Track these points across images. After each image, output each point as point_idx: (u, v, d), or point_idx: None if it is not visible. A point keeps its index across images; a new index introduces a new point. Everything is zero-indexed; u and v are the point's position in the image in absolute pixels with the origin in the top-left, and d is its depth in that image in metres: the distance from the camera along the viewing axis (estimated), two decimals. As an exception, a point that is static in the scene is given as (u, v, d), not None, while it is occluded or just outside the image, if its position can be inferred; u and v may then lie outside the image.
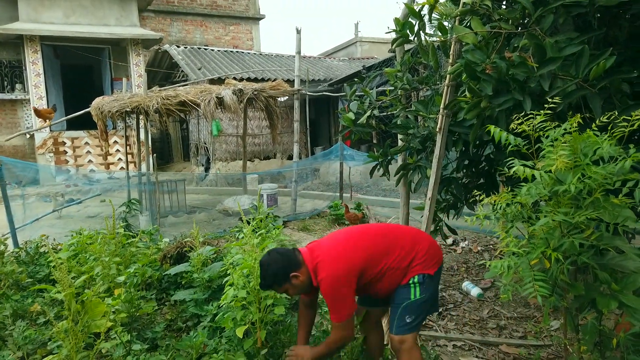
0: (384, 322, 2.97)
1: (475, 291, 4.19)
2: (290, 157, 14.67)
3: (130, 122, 9.21)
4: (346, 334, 2.35)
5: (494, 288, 4.34)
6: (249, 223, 3.16)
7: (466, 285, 4.33)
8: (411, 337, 2.35)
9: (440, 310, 3.87)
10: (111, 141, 13.66)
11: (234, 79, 11.69)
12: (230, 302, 2.66)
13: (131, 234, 4.55)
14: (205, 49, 16.20)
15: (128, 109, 7.40)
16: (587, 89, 2.23)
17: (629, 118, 1.82)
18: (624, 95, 2.33)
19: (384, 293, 2.43)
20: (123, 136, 10.84)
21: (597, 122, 1.93)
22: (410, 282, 2.34)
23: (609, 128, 1.87)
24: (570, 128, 1.91)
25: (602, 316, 2.13)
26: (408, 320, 2.33)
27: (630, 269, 1.93)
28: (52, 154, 13.50)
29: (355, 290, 2.33)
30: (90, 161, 13.80)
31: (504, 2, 3.02)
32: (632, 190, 1.77)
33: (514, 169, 1.96)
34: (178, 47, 15.58)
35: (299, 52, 8.56)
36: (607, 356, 2.20)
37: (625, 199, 1.85)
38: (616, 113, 1.91)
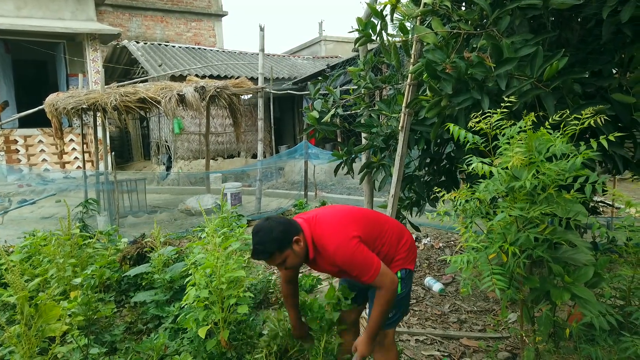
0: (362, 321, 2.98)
1: (437, 286, 4.28)
2: (254, 156, 14.56)
3: (87, 119, 8.91)
4: (391, 278, 2.14)
5: (455, 283, 4.45)
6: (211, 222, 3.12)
7: (428, 281, 4.41)
8: (392, 333, 2.39)
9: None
10: (67, 139, 13.16)
11: (196, 76, 11.50)
12: (192, 303, 2.61)
13: (88, 234, 4.40)
14: (166, 45, 15.86)
15: (85, 106, 7.16)
16: (541, 89, 2.32)
17: (580, 117, 1.90)
18: (575, 95, 2.43)
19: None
20: (79, 134, 10.47)
21: (550, 120, 2.00)
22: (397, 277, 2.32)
23: (562, 126, 1.95)
24: (525, 126, 1.97)
25: (556, 308, 2.22)
26: (390, 315, 2.32)
27: (582, 262, 2.02)
28: (3, 153, 12.88)
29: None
30: (44, 160, 13.24)
31: (464, 4, 3.10)
32: (583, 186, 1.85)
33: (472, 166, 2.01)
34: (137, 42, 15.18)
35: (262, 50, 8.50)
36: (561, 346, 2.29)
37: (576, 194, 1.93)
38: (568, 112, 1.99)
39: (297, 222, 2.23)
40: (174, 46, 16.00)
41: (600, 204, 3.99)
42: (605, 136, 1.85)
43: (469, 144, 2.12)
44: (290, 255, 2.16)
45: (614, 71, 2.73)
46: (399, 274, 2.30)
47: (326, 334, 2.50)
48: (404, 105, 3.12)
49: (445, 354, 3.16)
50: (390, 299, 2.15)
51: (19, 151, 13.14)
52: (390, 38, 3.39)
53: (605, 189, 2.47)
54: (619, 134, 2.09)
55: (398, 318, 2.42)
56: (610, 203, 4.14)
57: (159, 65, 13.47)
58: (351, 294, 2.52)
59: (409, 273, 2.35)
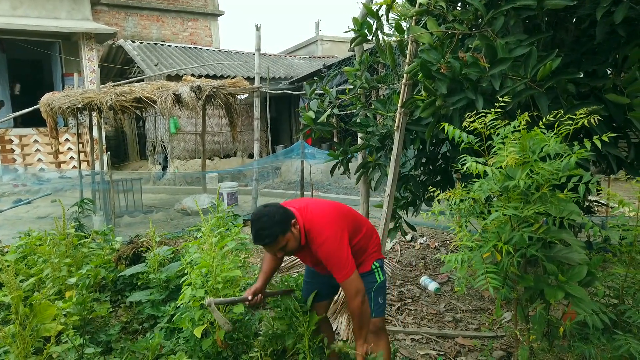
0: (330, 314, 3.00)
1: (432, 286, 4.29)
2: (250, 156, 14.54)
3: (82, 119, 8.88)
4: (361, 286, 2.30)
5: (450, 282, 4.46)
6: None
7: (424, 280, 4.43)
8: (379, 320, 2.50)
9: (398, 305, 3.95)
10: (62, 139, 13.12)
11: (192, 75, 11.48)
12: (188, 302, 2.61)
13: (83, 234, 4.39)
14: (162, 45, 15.81)
15: (80, 106, 7.15)
16: (535, 89, 2.33)
17: (574, 117, 1.91)
18: (569, 95, 2.44)
19: None
20: (75, 134, 10.43)
21: (544, 120, 2.01)
22: (373, 267, 2.48)
23: (556, 126, 1.96)
24: (519, 126, 1.98)
25: (550, 306, 2.23)
26: (380, 302, 2.50)
27: (576, 261, 2.03)
28: (-3, 153, 12.82)
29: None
30: (39, 160, 13.19)
31: (459, 4, 3.11)
32: (577, 186, 1.86)
33: (467, 165, 2.02)
34: (133, 42, 15.13)
35: (258, 50, 8.49)
36: (555, 344, 2.30)
37: (570, 193, 1.94)
38: (562, 112, 2.00)
39: (289, 208, 2.33)
40: (170, 46, 15.96)
41: (594, 203, 4.01)
42: (599, 136, 1.87)
43: (463, 143, 2.13)
44: (291, 239, 2.26)
45: (608, 71, 2.75)
46: (376, 263, 2.51)
47: (311, 332, 2.55)
48: (399, 105, 3.13)
49: (441, 353, 3.18)
50: (357, 305, 2.28)
51: (14, 151, 13.09)
52: (385, 38, 3.40)
53: (599, 188, 2.48)
54: (613, 134, 2.11)
55: (382, 304, 2.53)
56: (604, 202, 4.17)
57: (155, 65, 13.43)
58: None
59: (382, 262, 2.57)
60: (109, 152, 7.32)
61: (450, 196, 2.18)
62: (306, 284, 2.73)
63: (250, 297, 2.45)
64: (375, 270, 2.49)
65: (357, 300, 2.29)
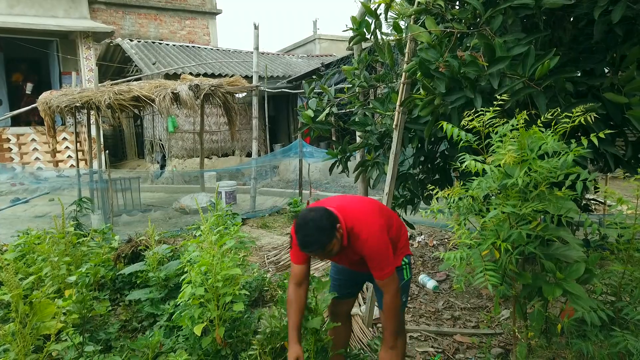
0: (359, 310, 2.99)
1: (430, 284, 4.31)
2: (249, 155, 14.54)
3: (80, 117, 8.87)
4: (396, 287, 2.26)
5: (448, 280, 4.48)
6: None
7: (422, 278, 4.44)
8: (404, 318, 2.52)
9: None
10: (60, 138, 13.09)
11: (190, 74, 11.47)
12: (187, 300, 2.62)
13: (82, 233, 4.39)
14: (160, 44, 15.78)
15: (78, 104, 7.14)
16: (533, 88, 2.34)
17: (571, 115, 1.92)
18: (567, 94, 2.46)
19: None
20: (73, 133, 10.42)
21: (542, 118, 2.02)
22: (403, 263, 2.44)
23: (554, 124, 1.97)
24: (517, 124, 1.99)
25: (548, 304, 2.25)
26: (404, 300, 2.46)
27: (574, 258, 2.04)
28: (-5, 151, 12.79)
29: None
30: (37, 159, 13.16)
31: (457, 3, 3.11)
32: (574, 183, 1.87)
33: (465, 163, 2.03)
34: (131, 40, 15.10)
35: (257, 48, 8.49)
36: (552, 341, 2.32)
37: (568, 191, 1.95)
38: (560, 110, 2.01)
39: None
40: (167, 44, 15.93)
41: (591, 201, 4.03)
42: (596, 134, 1.88)
43: (462, 142, 2.14)
44: (336, 244, 2.15)
45: (606, 70, 2.76)
46: (406, 260, 2.46)
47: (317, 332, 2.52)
48: (398, 103, 3.14)
49: (439, 351, 3.19)
50: (396, 305, 2.27)
51: (11, 150, 13.05)
52: (384, 37, 3.40)
53: (597, 186, 2.50)
54: (610, 131, 2.12)
55: (405, 302, 2.50)
56: (602, 201, 4.18)
57: (153, 64, 13.41)
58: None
59: (410, 258, 2.52)
60: (106, 151, 7.31)
61: (448, 194, 2.19)
62: (334, 279, 2.66)
63: None
64: (405, 267, 2.45)
65: (397, 299, 2.27)
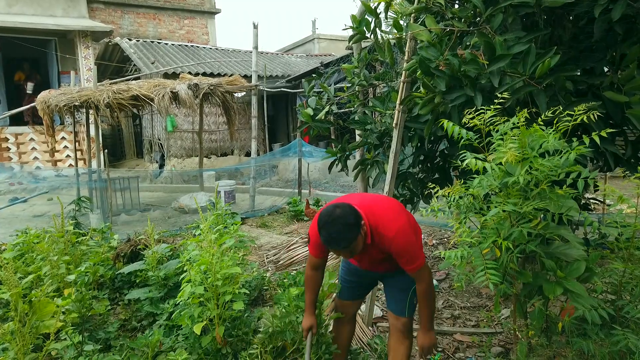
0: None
1: (430, 283, 4.30)
2: (248, 154, 14.53)
3: (79, 117, 8.86)
4: (429, 273, 2.28)
5: (448, 279, 4.47)
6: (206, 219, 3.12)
7: (422, 277, 4.43)
8: (413, 319, 2.52)
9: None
10: (59, 137, 13.06)
11: (189, 73, 11.46)
12: (187, 299, 2.61)
13: (81, 232, 4.38)
14: (159, 43, 15.76)
15: (77, 103, 7.12)
16: (533, 86, 2.34)
17: (572, 113, 1.92)
18: (567, 92, 2.45)
19: (390, 268, 2.43)
20: (72, 132, 10.40)
21: (542, 117, 2.02)
22: None
23: (554, 123, 1.97)
24: (518, 123, 1.99)
25: (548, 302, 2.25)
26: (415, 302, 2.45)
27: (574, 257, 2.04)
28: (-7, 151, 12.76)
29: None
30: (36, 158, 13.14)
31: (457, 1, 3.11)
32: (575, 182, 1.87)
33: (466, 161, 2.03)
34: (130, 40, 15.07)
35: (256, 48, 8.48)
36: (553, 340, 2.32)
37: (569, 189, 1.95)
38: (560, 108, 2.01)
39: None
40: (166, 43, 15.91)
41: (591, 200, 4.03)
42: (597, 132, 1.88)
43: (462, 140, 2.13)
44: (360, 241, 2.13)
45: (606, 69, 2.76)
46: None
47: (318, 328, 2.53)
48: (397, 102, 3.13)
49: (439, 349, 3.19)
50: (431, 291, 2.29)
51: (10, 149, 13.03)
52: (384, 35, 3.40)
53: (597, 184, 2.50)
54: (611, 130, 2.12)
55: (416, 304, 2.49)
56: (602, 200, 4.19)
57: (152, 63, 13.39)
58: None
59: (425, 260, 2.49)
60: (105, 150, 7.30)
61: (449, 193, 2.19)
62: (345, 281, 2.67)
63: (309, 336, 2.45)
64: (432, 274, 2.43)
65: (432, 287, 2.28)
